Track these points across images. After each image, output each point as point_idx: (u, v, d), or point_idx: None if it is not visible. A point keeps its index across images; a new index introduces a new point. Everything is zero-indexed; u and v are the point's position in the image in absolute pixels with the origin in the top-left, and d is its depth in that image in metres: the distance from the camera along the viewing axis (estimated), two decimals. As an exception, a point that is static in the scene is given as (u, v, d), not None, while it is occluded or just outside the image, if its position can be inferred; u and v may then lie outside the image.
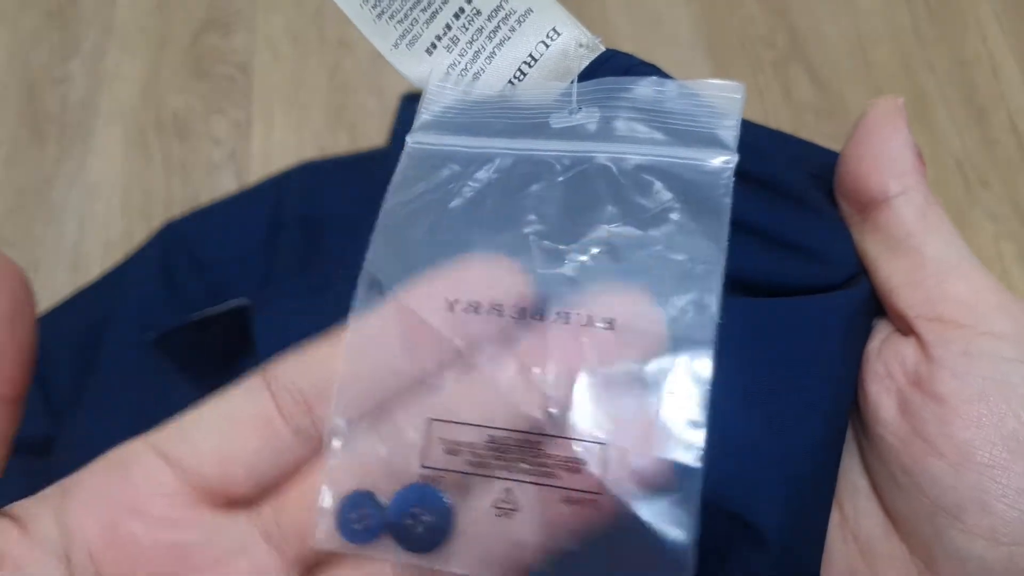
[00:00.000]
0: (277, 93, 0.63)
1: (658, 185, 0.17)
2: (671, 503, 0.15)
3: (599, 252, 0.17)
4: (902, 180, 0.19)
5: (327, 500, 0.16)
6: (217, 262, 0.50)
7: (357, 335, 0.17)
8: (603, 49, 0.20)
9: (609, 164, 0.17)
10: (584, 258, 0.17)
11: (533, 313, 0.16)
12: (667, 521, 0.15)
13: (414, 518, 0.16)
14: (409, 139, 0.19)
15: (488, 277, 0.17)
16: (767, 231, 0.19)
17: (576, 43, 0.20)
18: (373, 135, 0.61)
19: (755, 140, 0.18)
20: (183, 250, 0.51)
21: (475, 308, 0.16)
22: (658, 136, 0.17)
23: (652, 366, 0.16)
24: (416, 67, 0.21)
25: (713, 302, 0.16)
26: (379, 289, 0.17)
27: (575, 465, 0.16)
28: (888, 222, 0.19)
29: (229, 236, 0.51)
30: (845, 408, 0.19)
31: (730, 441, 0.17)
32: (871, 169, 0.19)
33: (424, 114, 0.20)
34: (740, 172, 0.17)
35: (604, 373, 0.16)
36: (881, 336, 0.19)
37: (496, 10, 0.20)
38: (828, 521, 0.19)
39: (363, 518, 0.16)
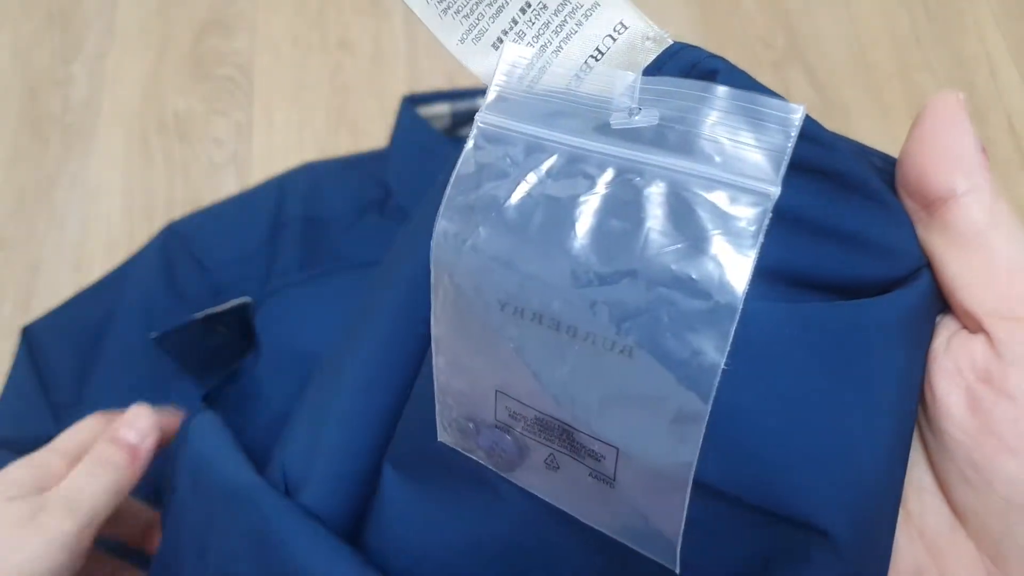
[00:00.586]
0: (278, 94, 0.63)
1: (694, 213, 0.17)
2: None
3: (628, 282, 0.17)
4: (969, 177, 0.19)
5: (443, 414, 0.21)
6: (218, 263, 0.51)
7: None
8: (671, 42, 0.20)
9: (653, 181, 0.17)
10: (614, 286, 0.17)
11: (567, 330, 0.18)
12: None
13: (494, 450, 0.21)
14: (478, 117, 0.19)
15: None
16: (831, 223, 0.19)
17: (643, 36, 0.20)
18: (374, 136, 0.61)
19: (818, 133, 0.18)
20: (185, 251, 0.51)
21: (521, 313, 0.18)
22: (707, 153, 0.17)
23: (652, 392, 0.17)
24: (482, 62, 0.21)
25: (717, 352, 0.16)
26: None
27: (596, 456, 0.18)
28: (955, 219, 0.19)
29: (230, 237, 0.52)
30: (912, 408, 0.19)
31: (797, 450, 0.18)
32: (937, 166, 0.19)
33: (493, 93, 0.20)
34: (803, 164, 0.17)
35: (621, 394, 0.17)
36: (947, 332, 0.19)
37: (563, 4, 0.20)
38: (896, 522, 0.19)
39: (465, 435, 0.21)
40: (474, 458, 0.21)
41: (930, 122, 0.19)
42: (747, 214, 0.16)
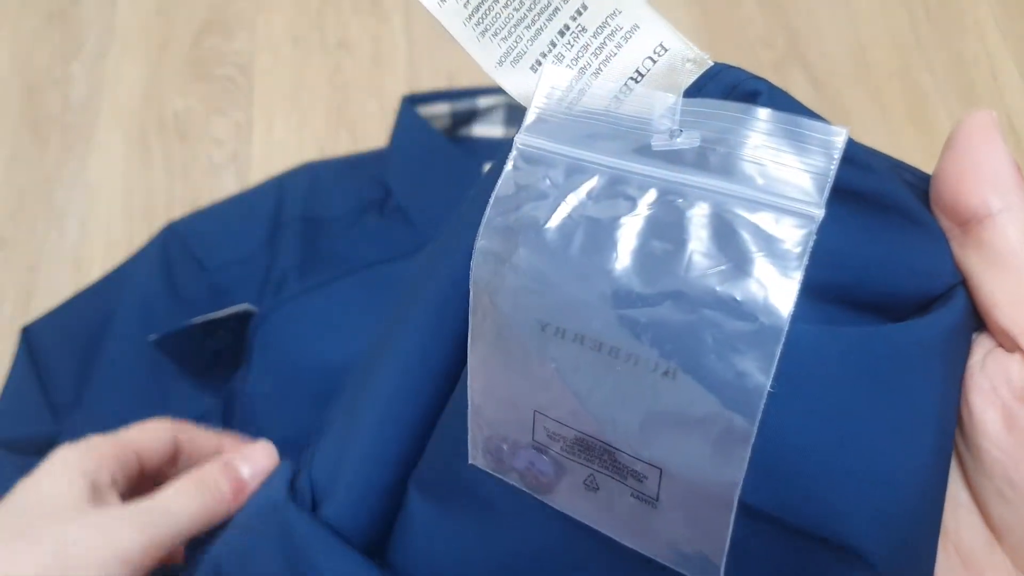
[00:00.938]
0: (278, 94, 0.63)
1: (738, 235, 0.17)
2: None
3: (671, 304, 0.17)
4: (1004, 196, 0.19)
5: (477, 437, 0.21)
6: (218, 263, 0.51)
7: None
8: (711, 64, 0.20)
9: (696, 202, 0.17)
10: (657, 307, 0.17)
11: (609, 351, 0.18)
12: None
13: (530, 471, 0.20)
14: (517, 138, 0.19)
15: None
16: (868, 242, 0.19)
17: (683, 58, 0.20)
18: (373, 136, 0.61)
19: (855, 152, 0.18)
20: (184, 251, 0.51)
21: (562, 334, 0.18)
22: (750, 175, 0.17)
23: (696, 413, 0.17)
24: (521, 84, 0.21)
25: (763, 373, 0.16)
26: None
27: (639, 476, 0.18)
28: (991, 238, 0.19)
29: (230, 237, 0.52)
30: (951, 429, 0.19)
31: (838, 473, 0.18)
32: (972, 185, 0.19)
33: (533, 115, 0.20)
34: (841, 183, 0.17)
35: (664, 414, 0.17)
36: (983, 351, 0.19)
37: (602, 27, 0.20)
38: (937, 544, 0.19)
39: (498, 457, 0.21)
40: (508, 480, 0.21)
41: (963, 140, 0.19)
42: (792, 236, 0.16)
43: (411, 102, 0.55)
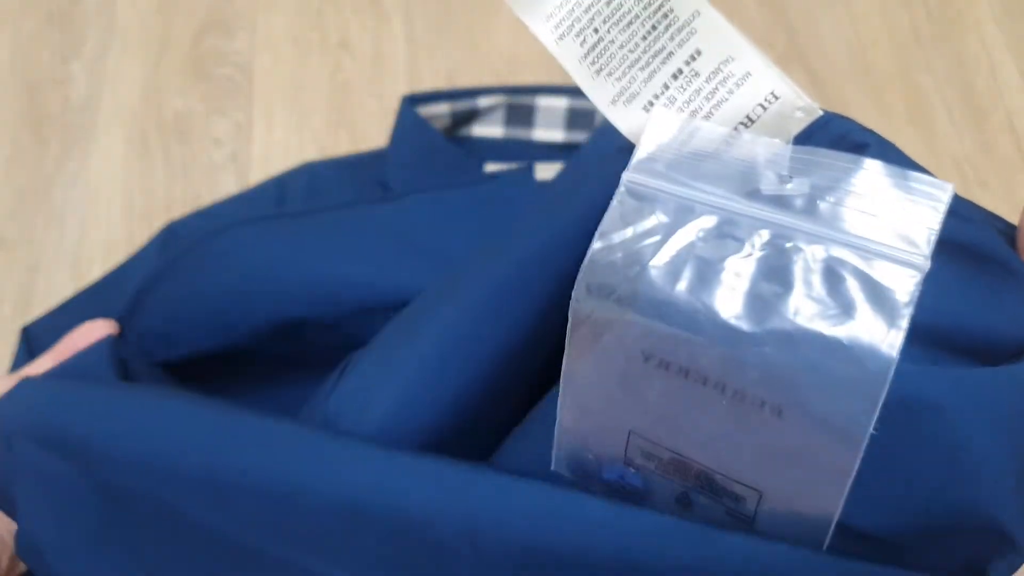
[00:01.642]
0: (278, 94, 0.63)
1: (847, 281, 0.17)
2: None
3: (778, 344, 0.17)
4: None
5: (559, 448, 0.22)
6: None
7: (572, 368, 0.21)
8: (821, 113, 0.20)
9: (805, 247, 0.18)
10: (764, 348, 0.18)
11: (715, 386, 0.18)
12: None
13: (618, 483, 0.21)
14: (625, 175, 0.20)
15: None
16: (967, 291, 0.20)
17: (794, 107, 0.20)
18: (374, 136, 0.61)
19: (954, 205, 0.19)
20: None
21: (666, 367, 0.19)
22: (859, 224, 0.18)
23: (799, 448, 0.18)
24: (633, 123, 0.21)
25: (866, 416, 0.17)
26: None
27: (736, 497, 0.19)
28: None
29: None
30: None
31: (979, 467, 0.18)
32: None
33: (642, 153, 0.20)
34: (941, 236, 0.18)
35: (768, 447, 0.18)
36: None
37: (715, 72, 0.21)
38: None
39: (583, 468, 0.21)
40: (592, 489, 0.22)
41: None
42: (899, 285, 0.17)
43: (411, 102, 0.55)
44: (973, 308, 0.20)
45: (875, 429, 0.17)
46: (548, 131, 0.57)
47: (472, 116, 0.57)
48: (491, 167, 0.56)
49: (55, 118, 0.62)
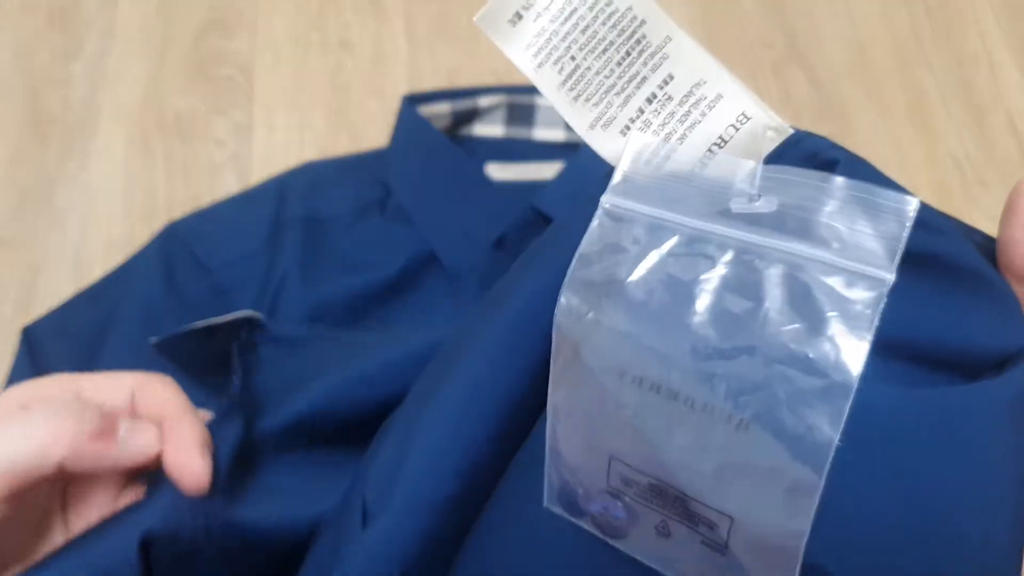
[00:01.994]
0: (278, 94, 0.63)
1: (813, 296, 0.18)
2: None
3: (746, 358, 0.18)
4: None
5: (551, 483, 0.22)
6: (219, 263, 0.51)
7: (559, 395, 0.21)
8: (791, 132, 0.21)
9: (772, 264, 0.18)
10: (732, 361, 0.18)
11: (685, 400, 0.19)
12: None
13: (604, 515, 0.21)
14: (604, 198, 0.21)
15: None
16: (941, 303, 0.20)
17: (765, 127, 0.21)
18: (374, 136, 0.61)
19: (928, 218, 0.19)
20: (185, 251, 0.51)
21: (640, 383, 0.19)
22: (825, 240, 0.18)
23: (767, 464, 0.18)
24: (611, 147, 0.22)
25: (832, 428, 0.17)
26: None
27: (710, 524, 0.19)
28: None
29: (231, 237, 0.52)
30: None
31: (914, 535, 0.19)
32: None
33: (619, 176, 0.21)
34: (916, 247, 0.18)
35: (736, 464, 0.18)
36: None
37: (687, 95, 0.21)
38: None
39: (573, 502, 0.22)
40: (581, 525, 0.22)
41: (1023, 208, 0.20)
42: (863, 298, 0.17)
43: (412, 102, 0.55)
44: (949, 320, 0.20)
45: (840, 442, 0.17)
46: (549, 130, 0.57)
47: (473, 116, 0.57)
48: (492, 166, 0.56)
49: (56, 118, 0.62)
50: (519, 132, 0.57)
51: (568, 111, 0.22)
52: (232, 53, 0.65)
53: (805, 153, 0.21)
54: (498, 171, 0.55)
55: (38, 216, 0.59)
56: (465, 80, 0.63)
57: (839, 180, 0.18)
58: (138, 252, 0.52)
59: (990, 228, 0.21)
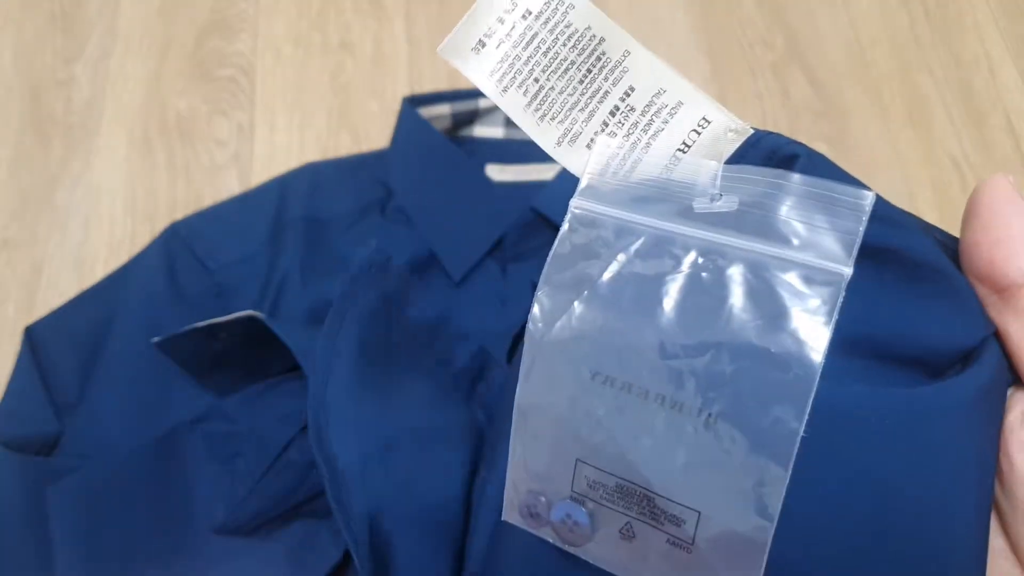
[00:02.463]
0: (280, 95, 0.64)
1: (773, 291, 0.18)
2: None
3: (713, 355, 0.18)
4: None
5: (512, 492, 0.22)
6: (220, 263, 0.51)
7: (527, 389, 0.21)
8: (751, 132, 0.21)
9: (733, 261, 0.19)
10: (699, 358, 0.19)
11: (655, 398, 0.19)
12: None
13: (566, 523, 0.21)
14: (572, 202, 0.21)
15: None
16: (901, 298, 0.20)
17: (726, 129, 0.21)
18: (375, 137, 0.61)
19: (888, 212, 0.20)
20: (187, 251, 0.51)
21: (611, 383, 0.20)
22: (785, 234, 0.19)
23: (734, 458, 0.18)
24: (579, 161, 0.23)
25: (796, 420, 0.17)
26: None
27: (677, 520, 0.20)
28: None
29: (232, 237, 0.52)
30: (990, 482, 0.20)
31: (879, 535, 0.19)
32: (1004, 253, 0.20)
33: (587, 180, 0.22)
34: (875, 241, 0.19)
35: (704, 459, 0.19)
36: (1021, 407, 0.20)
37: (649, 105, 0.22)
38: None
39: (534, 512, 0.22)
40: (540, 536, 0.22)
41: (987, 208, 0.20)
42: (822, 293, 0.18)
43: (412, 103, 0.55)
44: (909, 315, 0.20)
45: (805, 433, 0.17)
46: (549, 131, 0.57)
47: (473, 117, 0.57)
48: (492, 168, 0.56)
49: (58, 119, 0.62)
50: (519, 134, 0.57)
51: (534, 131, 0.22)
52: (233, 54, 0.65)
53: (765, 151, 0.21)
54: (498, 172, 0.56)
55: (40, 216, 0.59)
56: (465, 82, 0.63)
57: (796, 177, 0.19)
58: (140, 252, 0.52)
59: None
